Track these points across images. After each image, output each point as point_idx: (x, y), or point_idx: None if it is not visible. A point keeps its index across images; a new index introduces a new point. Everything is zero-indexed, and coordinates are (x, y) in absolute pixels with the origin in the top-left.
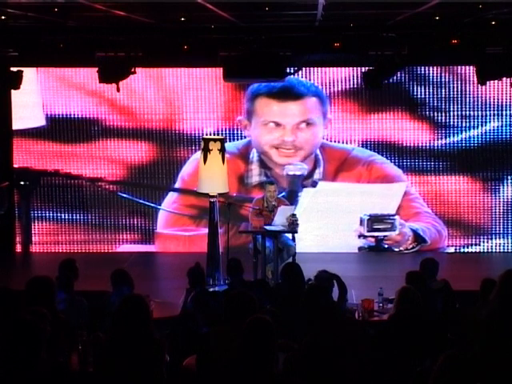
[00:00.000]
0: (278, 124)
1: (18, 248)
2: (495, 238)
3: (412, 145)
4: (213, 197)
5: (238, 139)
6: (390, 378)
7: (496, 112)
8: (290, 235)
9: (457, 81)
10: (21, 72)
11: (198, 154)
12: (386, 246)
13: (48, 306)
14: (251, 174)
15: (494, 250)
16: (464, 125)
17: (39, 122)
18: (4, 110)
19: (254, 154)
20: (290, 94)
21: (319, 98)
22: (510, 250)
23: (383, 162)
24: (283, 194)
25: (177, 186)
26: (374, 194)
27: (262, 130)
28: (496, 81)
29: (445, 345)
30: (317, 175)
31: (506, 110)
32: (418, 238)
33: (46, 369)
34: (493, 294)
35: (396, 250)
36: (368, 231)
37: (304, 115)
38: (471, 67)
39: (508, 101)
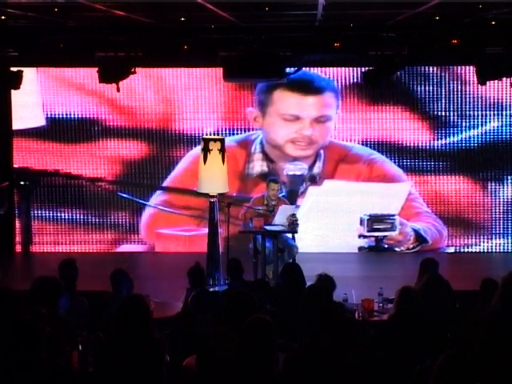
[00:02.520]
0: (296, 117)
1: (18, 248)
2: (495, 238)
3: (412, 145)
4: (213, 197)
5: None
6: (390, 377)
7: (496, 112)
8: (290, 235)
9: (457, 81)
10: (21, 72)
11: (194, 152)
12: (387, 246)
13: (50, 307)
14: (252, 166)
15: (494, 250)
16: (464, 125)
17: (39, 121)
18: (4, 110)
19: (256, 147)
20: (310, 87)
21: (335, 93)
22: (509, 250)
23: (384, 161)
24: (283, 193)
25: (171, 182)
26: (376, 193)
27: (278, 123)
28: (496, 81)
29: (445, 345)
30: (316, 169)
31: (506, 110)
32: (419, 237)
33: (46, 369)
34: (495, 296)
35: (397, 249)
36: (368, 231)
37: (322, 110)
38: (471, 67)
39: (508, 101)
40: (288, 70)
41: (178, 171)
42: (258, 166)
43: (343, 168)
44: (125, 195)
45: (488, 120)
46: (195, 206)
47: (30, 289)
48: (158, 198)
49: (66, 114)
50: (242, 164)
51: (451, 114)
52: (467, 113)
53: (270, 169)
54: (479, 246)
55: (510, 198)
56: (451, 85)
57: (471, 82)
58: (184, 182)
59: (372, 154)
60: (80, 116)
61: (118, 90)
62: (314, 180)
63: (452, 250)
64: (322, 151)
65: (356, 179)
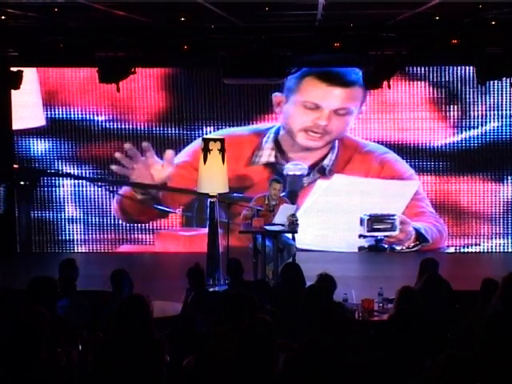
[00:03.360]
0: (317, 106)
1: (18, 248)
2: (495, 238)
3: (412, 145)
4: (213, 197)
5: None
6: (390, 377)
7: (496, 112)
8: (290, 235)
9: (457, 81)
10: (21, 72)
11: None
12: (387, 245)
13: (48, 306)
14: (261, 154)
15: (494, 250)
16: (464, 125)
17: (39, 121)
18: (4, 110)
19: (270, 136)
20: (341, 79)
21: (364, 89)
22: (510, 250)
23: (397, 160)
24: (283, 193)
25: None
26: (380, 192)
27: (298, 110)
28: (496, 81)
29: (445, 345)
30: (327, 161)
31: (506, 110)
32: (419, 237)
33: (46, 369)
34: (495, 296)
35: (398, 248)
36: (368, 231)
37: (346, 103)
38: (471, 67)
39: (508, 101)
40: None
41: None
42: (267, 155)
43: (354, 164)
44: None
45: (488, 120)
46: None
47: (25, 289)
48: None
49: (66, 114)
50: (251, 152)
51: (451, 114)
52: (467, 113)
53: (278, 159)
54: (479, 246)
55: (510, 198)
56: (451, 85)
57: (471, 82)
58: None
59: (386, 153)
60: (80, 116)
61: (118, 89)
62: (322, 172)
63: (452, 250)
64: (336, 144)
65: (365, 176)
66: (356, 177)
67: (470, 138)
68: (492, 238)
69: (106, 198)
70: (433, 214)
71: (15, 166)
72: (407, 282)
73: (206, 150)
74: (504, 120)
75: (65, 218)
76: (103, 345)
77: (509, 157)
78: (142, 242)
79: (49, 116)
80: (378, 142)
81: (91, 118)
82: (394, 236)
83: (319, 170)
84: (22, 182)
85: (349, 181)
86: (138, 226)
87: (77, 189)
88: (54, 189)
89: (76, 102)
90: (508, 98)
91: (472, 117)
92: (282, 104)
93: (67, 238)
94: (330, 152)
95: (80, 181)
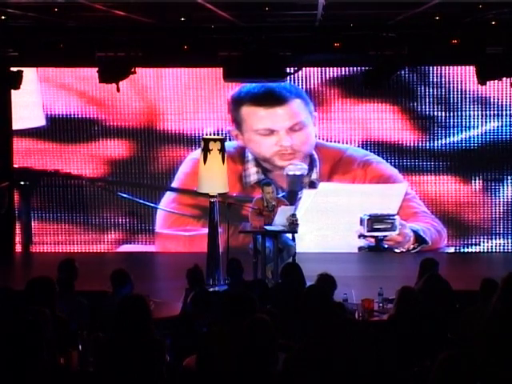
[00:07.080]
0: (270, 131)
1: (18, 248)
2: (495, 238)
3: (412, 145)
4: (213, 197)
5: None
6: (390, 377)
7: (496, 112)
8: (290, 235)
9: (457, 81)
10: (21, 72)
11: (195, 154)
12: (386, 246)
13: (48, 307)
14: (248, 173)
15: (494, 250)
16: (464, 125)
17: (39, 122)
18: (4, 110)
19: (249, 153)
20: (274, 98)
21: (302, 98)
22: (510, 250)
23: (379, 162)
24: (283, 194)
25: (174, 185)
26: (375, 194)
27: (256, 139)
28: (496, 81)
29: (445, 345)
30: (314, 175)
31: (506, 110)
32: (418, 238)
33: (46, 369)
34: (495, 296)
35: (397, 251)
36: (368, 231)
37: (293, 118)
38: (471, 67)
39: (508, 101)
40: (288, 69)
41: (179, 175)
42: (254, 173)
43: (338, 171)
44: (125, 195)
45: (488, 120)
46: (200, 206)
47: (24, 290)
48: (165, 199)
49: (66, 114)
50: (240, 171)
51: (451, 114)
52: (467, 113)
53: (266, 175)
54: (479, 246)
55: (510, 197)
56: (451, 85)
57: (471, 82)
58: (186, 185)
59: (366, 155)
60: (80, 116)
61: (118, 90)
62: (313, 186)
63: (452, 250)
64: (316, 156)
65: (352, 181)
66: (342, 183)
67: (469, 137)
68: (492, 238)
69: (105, 198)
70: (427, 213)
71: (15, 166)
72: (407, 282)
73: (205, 150)
74: (504, 120)
75: (65, 218)
76: (103, 345)
77: (509, 157)
78: (141, 242)
79: (49, 116)
80: (376, 143)
81: (91, 118)
82: (392, 238)
83: (310, 184)
84: (21, 182)
85: (336, 188)
86: (138, 226)
87: (77, 189)
88: (53, 189)
89: (76, 101)
90: (508, 98)
91: (472, 117)
92: (238, 136)
93: (67, 238)
94: (314, 165)
95: (80, 181)
